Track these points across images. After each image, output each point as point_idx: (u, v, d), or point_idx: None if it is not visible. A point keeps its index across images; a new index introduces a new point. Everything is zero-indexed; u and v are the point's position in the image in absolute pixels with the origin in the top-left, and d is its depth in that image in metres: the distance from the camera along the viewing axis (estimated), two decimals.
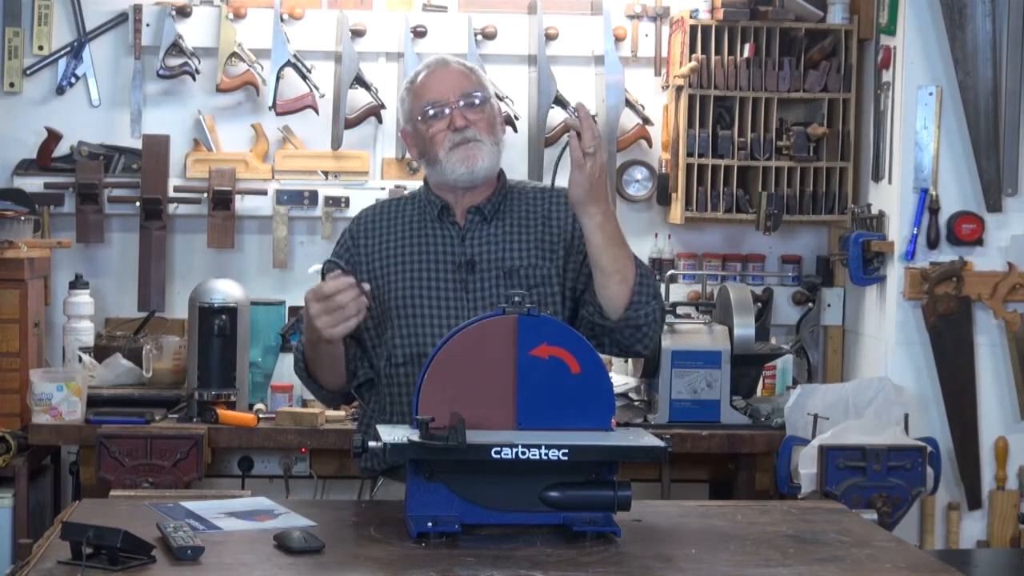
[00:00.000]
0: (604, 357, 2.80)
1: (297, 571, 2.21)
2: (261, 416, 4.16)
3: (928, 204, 4.27)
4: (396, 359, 2.83)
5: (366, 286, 2.66)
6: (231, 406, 4.14)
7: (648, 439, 2.47)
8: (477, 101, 2.84)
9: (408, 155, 4.71)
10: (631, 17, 4.81)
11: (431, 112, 2.83)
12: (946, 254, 4.30)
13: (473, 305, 2.80)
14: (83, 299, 4.54)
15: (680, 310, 4.31)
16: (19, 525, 4.09)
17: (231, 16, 4.69)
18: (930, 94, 4.27)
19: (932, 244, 4.28)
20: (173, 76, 4.69)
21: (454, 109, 2.82)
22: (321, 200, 4.70)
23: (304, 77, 4.69)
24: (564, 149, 2.69)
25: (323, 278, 2.71)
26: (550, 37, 4.76)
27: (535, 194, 2.94)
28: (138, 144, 4.72)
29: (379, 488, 2.91)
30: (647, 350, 2.86)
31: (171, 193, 4.69)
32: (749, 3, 4.59)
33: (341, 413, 4.21)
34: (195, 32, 4.70)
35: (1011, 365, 4.30)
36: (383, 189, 4.69)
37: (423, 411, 2.39)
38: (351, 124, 4.71)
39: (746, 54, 4.58)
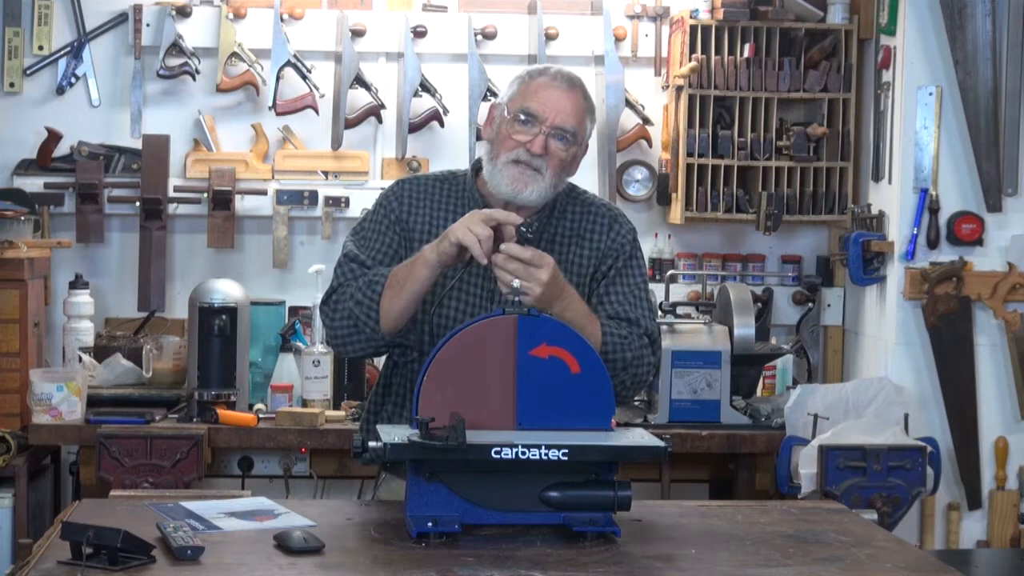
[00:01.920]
0: None
1: (297, 571, 2.21)
2: (261, 416, 4.16)
3: (928, 204, 4.27)
4: (417, 351, 2.83)
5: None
6: (231, 406, 4.14)
7: (648, 439, 2.47)
8: (567, 139, 2.78)
9: (407, 155, 4.73)
10: (631, 17, 4.81)
11: (523, 119, 2.78)
12: (946, 254, 4.30)
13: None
14: (83, 299, 4.54)
15: (680, 310, 4.31)
16: (19, 525, 4.09)
17: (231, 16, 4.69)
18: (930, 94, 4.27)
19: (932, 244, 4.28)
20: (173, 76, 4.69)
21: (542, 132, 2.77)
22: (321, 200, 4.70)
23: (304, 77, 4.69)
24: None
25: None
26: (550, 37, 4.76)
27: (574, 207, 2.90)
28: (138, 144, 4.72)
29: (382, 483, 2.90)
30: (624, 404, 2.83)
31: (171, 193, 4.69)
32: (749, 3, 4.59)
33: (341, 413, 4.21)
34: (195, 32, 4.70)
35: (1011, 365, 4.30)
36: (383, 189, 4.68)
37: (423, 411, 2.39)
38: (351, 124, 4.71)
39: (746, 54, 4.58)
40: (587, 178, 4.74)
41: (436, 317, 2.80)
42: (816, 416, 4.03)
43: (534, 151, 2.76)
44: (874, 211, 4.47)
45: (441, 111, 4.70)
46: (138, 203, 4.67)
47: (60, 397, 4.06)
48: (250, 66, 4.71)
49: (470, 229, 2.61)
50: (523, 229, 2.65)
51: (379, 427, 2.49)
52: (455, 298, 2.82)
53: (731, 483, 4.31)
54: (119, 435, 3.98)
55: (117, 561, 2.17)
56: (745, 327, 4.19)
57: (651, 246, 4.82)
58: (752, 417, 4.21)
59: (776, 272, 4.86)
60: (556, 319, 2.57)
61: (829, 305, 4.79)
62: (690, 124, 4.57)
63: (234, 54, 4.69)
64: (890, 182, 4.39)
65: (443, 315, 2.81)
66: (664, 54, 4.77)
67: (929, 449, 3.97)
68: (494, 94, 4.59)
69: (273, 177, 4.73)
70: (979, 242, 4.29)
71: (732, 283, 4.46)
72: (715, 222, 4.72)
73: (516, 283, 2.57)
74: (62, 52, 4.72)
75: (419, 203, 2.90)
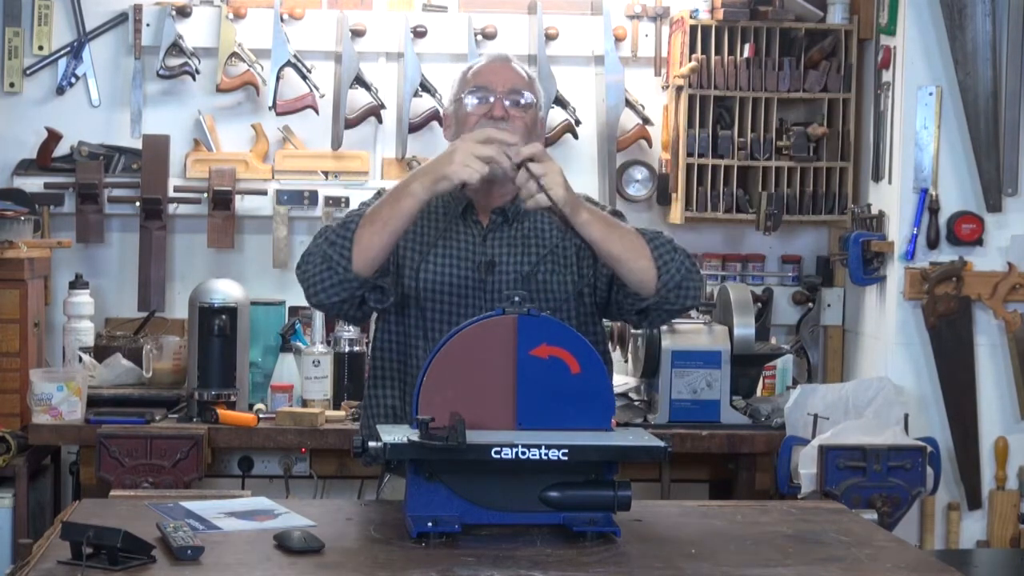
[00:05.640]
0: (608, 359, 2.81)
1: (297, 571, 2.21)
2: (261, 416, 4.16)
3: (928, 204, 4.27)
4: (411, 349, 2.84)
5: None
6: (231, 406, 4.14)
7: (648, 439, 2.47)
8: (522, 101, 2.85)
9: (407, 155, 4.74)
10: (631, 17, 4.81)
11: (476, 98, 2.85)
12: (946, 254, 4.30)
13: (490, 306, 2.79)
14: (83, 299, 4.54)
15: None
16: (19, 525, 4.09)
17: (231, 16, 4.69)
18: (930, 94, 4.27)
19: (932, 244, 4.28)
20: (173, 76, 4.69)
21: (498, 99, 2.83)
22: (321, 200, 4.70)
23: (304, 77, 4.69)
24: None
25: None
26: (550, 37, 4.76)
27: None
28: (138, 144, 4.72)
29: (386, 483, 2.91)
30: (697, 300, 2.82)
31: (171, 193, 4.69)
32: (749, 3, 4.59)
33: (341, 413, 4.21)
34: (195, 32, 4.70)
35: (1011, 365, 4.30)
36: (383, 189, 4.68)
37: (423, 411, 2.39)
38: (351, 124, 4.71)
39: (746, 54, 4.58)
40: (587, 178, 4.74)
41: (423, 272, 2.84)
42: (816, 416, 4.03)
43: (497, 115, 2.81)
44: (874, 211, 4.46)
45: (441, 111, 4.70)
46: (138, 203, 4.68)
47: (60, 397, 4.06)
48: (250, 66, 4.71)
49: (468, 165, 2.62)
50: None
51: (379, 427, 2.50)
52: (441, 249, 2.86)
53: (731, 483, 4.31)
54: (119, 435, 3.98)
55: (117, 561, 2.17)
56: (745, 327, 4.19)
57: None
58: (752, 417, 4.21)
59: (776, 272, 4.86)
60: (541, 315, 2.53)
61: (829, 305, 4.79)
62: (690, 124, 4.57)
63: (234, 54, 4.69)
64: (890, 182, 4.39)
65: (429, 269, 2.85)
66: (664, 54, 4.77)
67: (929, 449, 3.97)
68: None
69: (273, 177, 4.73)
70: (979, 242, 4.29)
71: (732, 283, 4.46)
72: (715, 222, 4.72)
73: (542, 180, 2.59)
74: (62, 52, 4.72)
75: None
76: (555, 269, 2.86)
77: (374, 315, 2.93)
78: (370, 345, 2.96)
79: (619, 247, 2.70)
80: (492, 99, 2.83)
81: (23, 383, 4.23)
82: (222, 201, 4.66)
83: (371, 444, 2.38)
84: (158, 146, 4.70)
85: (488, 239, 2.88)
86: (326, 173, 4.74)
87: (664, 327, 4.13)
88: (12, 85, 4.71)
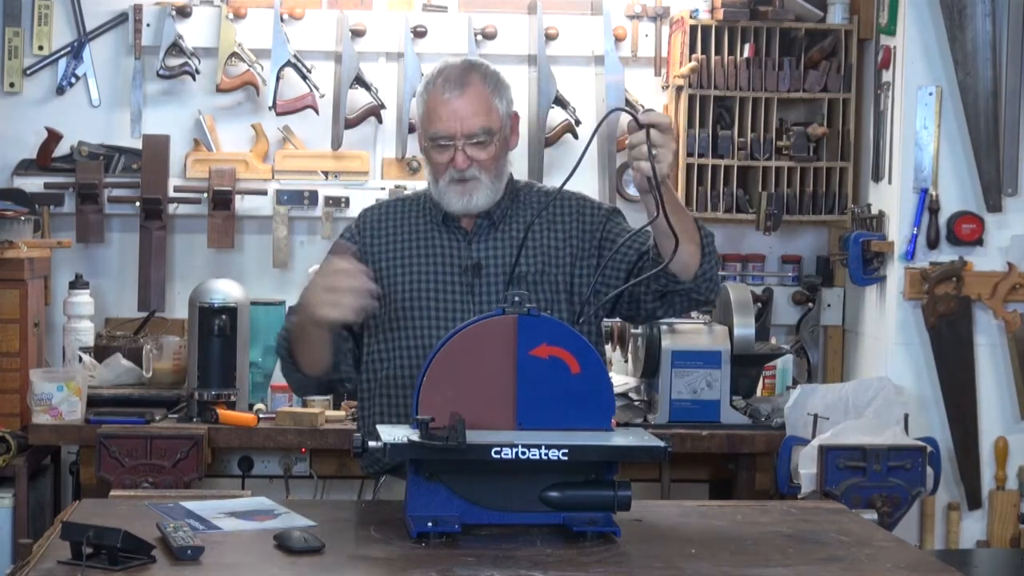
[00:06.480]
0: (603, 357, 2.81)
1: (297, 571, 2.21)
2: (261, 416, 4.16)
3: (928, 204, 4.27)
4: (401, 360, 2.83)
5: (375, 287, 2.68)
6: (231, 406, 4.14)
7: (648, 439, 2.47)
8: (483, 138, 2.81)
9: (407, 155, 4.74)
10: (631, 17, 4.81)
11: (436, 144, 2.83)
12: (946, 254, 4.30)
13: (479, 308, 2.80)
14: (83, 299, 4.54)
15: None
16: (19, 525, 4.09)
17: (231, 16, 4.69)
18: (930, 94, 4.27)
19: (932, 244, 4.28)
20: (173, 76, 4.69)
21: (458, 148, 2.81)
22: (321, 200, 4.70)
23: (304, 77, 4.69)
24: (587, 147, 2.82)
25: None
26: (550, 37, 4.76)
27: (540, 198, 2.94)
28: (138, 144, 4.72)
29: (381, 486, 2.91)
30: (716, 296, 2.92)
31: (171, 193, 4.69)
32: (749, 3, 4.59)
33: (341, 413, 4.21)
34: (195, 32, 4.70)
35: (1011, 365, 4.30)
36: (383, 189, 4.69)
37: (423, 411, 2.39)
38: (351, 124, 4.71)
39: (746, 54, 4.58)
40: (587, 178, 4.73)
41: (407, 284, 2.87)
42: (816, 416, 4.03)
43: (458, 167, 2.81)
44: (874, 211, 4.47)
45: None
46: (138, 203, 4.67)
47: (60, 397, 4.06)
48: (250, 66, 4.71)
49: (333, 306, 2.64)
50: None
51: (379, 427, 2.50)
52: (424, 258, 2.88)
53: (731, 483, 4.31)
54: (119, 435, 3.98)
55: (117, 561, 2.17)
56: (745, 327, 4.19)
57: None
58: (752, 417, 4.21)
59: (776, 272, 4.86)
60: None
61: (829, 305, 4.79)
62: (690, 124, 4.58)
63: (234, 54, 4.69)
64: (890, 182, 4.39)
65: (413, 279, 2.87)
66: (664, 54, 4.77)
67: (929, 449, 3.97)
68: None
69: (273, 177, 4.73)
70: (979, 242, 4.29)
71: (732, 283, 4.46)
72: (715, 222, 4.71)
73: (655, 151, 2.58)
74: (62, 52, 4.72)
75: (380, 228, 2.93)
76: (546, 270, 2.86)
77: (367, 327, 2.92)
78: (362, 361, 2.94)
79: (680, 227, 2.72)
80: (453, 146, 2.80)
81: (23, 383, 4.23)
82: (222, 201, 4.66)
83: (371, 444, 2.38)
84: (158, 146, 4.70)
85: (474, 243, 2.88)
86: (326, 173, 4.74)
87: (664, 327, 4.13)
88: (12, 85, 4.71)
